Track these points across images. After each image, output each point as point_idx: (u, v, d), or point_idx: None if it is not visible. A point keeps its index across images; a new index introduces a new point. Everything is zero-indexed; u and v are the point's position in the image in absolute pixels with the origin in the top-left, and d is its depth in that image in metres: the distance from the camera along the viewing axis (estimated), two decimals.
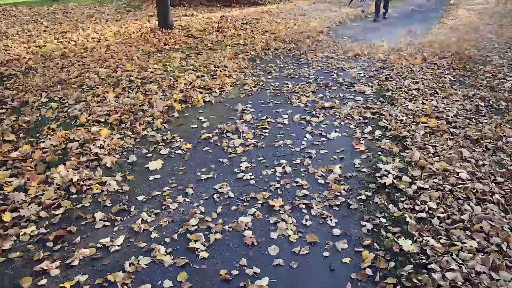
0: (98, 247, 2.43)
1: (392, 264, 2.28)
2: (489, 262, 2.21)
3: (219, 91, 5.14)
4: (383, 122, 4.17)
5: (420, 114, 4.32)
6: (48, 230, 2.59)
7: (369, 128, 4.04)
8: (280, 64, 6.39)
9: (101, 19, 10.60)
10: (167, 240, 2.50)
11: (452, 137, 3.80)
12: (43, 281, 2.17)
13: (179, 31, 8.76)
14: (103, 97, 4.77)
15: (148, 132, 3.96)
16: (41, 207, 2.80)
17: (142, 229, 2.59)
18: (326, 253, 2.39)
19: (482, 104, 4.65)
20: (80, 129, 3.92)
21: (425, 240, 2.43)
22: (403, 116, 4.29)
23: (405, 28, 9.30)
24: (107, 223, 2.66)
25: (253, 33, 8.66)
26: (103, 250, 2.41)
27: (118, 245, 2.44)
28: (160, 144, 3.77)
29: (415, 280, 2.13)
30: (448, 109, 4.49)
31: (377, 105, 4.66)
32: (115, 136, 3.82)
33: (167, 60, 6.47)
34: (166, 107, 4.52)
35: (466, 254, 2.29)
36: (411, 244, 2.39)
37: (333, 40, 8.22)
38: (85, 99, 4.75)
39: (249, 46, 7.42)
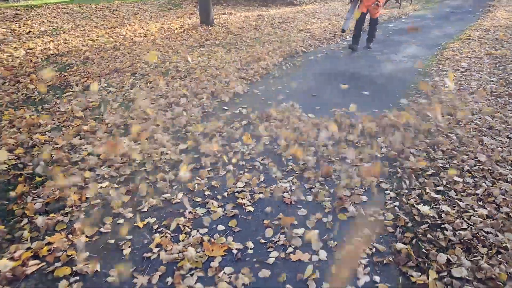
0: (162, 200, 2.93)
1: (410, 224, 2.64)
2: (498, 226, 2.54)
3: (257, 82, 5.59)
4: None
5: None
6: (119, 185, 3.12)
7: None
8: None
9: (145, 16, 11.31)
10: (219, 197, 2.97)
11: (475, 126, 4.08)
12: (120, 220, 2.69)
13: (219, 28, 9.30)
14: (155, 83, 5.33)
15: (196, 114, 4.46)
16: (111, 168, 3.34)
17: (196, 189, 3.07)
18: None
19: (510, 100, 4.86)
20: (138, 110, 4.47)
21: (441, 207, 2.78)
22: None
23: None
24: (167, 183, 3.16)
25: (288, 32, 9.08)
26: (166, 202, 2.91)
27: (178, 199, 2.93)
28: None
29: (429, 236, 2.49)
30: (475, 103, 4.75)
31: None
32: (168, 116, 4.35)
33: (209, 54, 7.00)
34: (211, 93, 5.03)
35: (477, 218, 2.63)
36: (429, 210, 2.74)
37: None
38: (139, 85, 5.33)
39: (285, 42, 7.85)
